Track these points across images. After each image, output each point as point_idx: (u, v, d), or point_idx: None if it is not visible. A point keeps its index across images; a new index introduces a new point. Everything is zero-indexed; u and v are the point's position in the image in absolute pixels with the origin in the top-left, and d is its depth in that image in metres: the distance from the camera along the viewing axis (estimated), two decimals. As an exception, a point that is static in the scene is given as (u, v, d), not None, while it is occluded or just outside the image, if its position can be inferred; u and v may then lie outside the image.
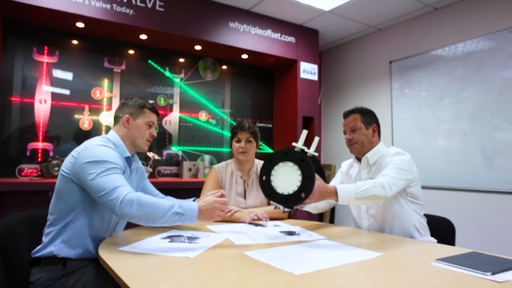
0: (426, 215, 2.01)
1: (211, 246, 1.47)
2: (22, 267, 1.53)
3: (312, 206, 2.09)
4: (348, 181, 2.14)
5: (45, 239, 1.54)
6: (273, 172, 1.54)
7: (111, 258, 1.28)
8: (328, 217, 5.03)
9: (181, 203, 1.47)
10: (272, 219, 2.13)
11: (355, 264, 1.28)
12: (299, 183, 1.48)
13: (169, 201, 1.47)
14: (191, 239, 1.58)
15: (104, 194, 1.43)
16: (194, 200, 1.84)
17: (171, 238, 1.59)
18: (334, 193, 1.63)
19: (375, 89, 4.70)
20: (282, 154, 1.53)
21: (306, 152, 1.59)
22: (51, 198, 1.61)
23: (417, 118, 4.18)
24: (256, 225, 1.98)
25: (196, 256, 1.31)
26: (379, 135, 2.05)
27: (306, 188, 1.47)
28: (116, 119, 1.78)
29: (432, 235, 1.97)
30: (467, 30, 3.76)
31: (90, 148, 1.56)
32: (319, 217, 4.69)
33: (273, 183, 1.54)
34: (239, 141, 2.31)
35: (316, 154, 1.65)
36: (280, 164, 1.52)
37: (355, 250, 1.46)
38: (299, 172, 1.48)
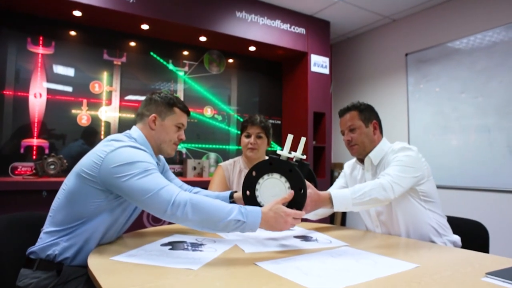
0: (452, 218, 1.88)
1: (218, 255, 1.31)
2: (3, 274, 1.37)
3: (311, 213, 1.93)
4: (353, 183, 1.98)
5: (46, 237, 1.37)
6: (257, 186, 1.41)
7: (100, 270, 1.10)
8: (340, 218, 4.81)
9: (242, 208, 1.28)
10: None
11: (389, 278, 1.08)
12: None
13: (228, 204, 1.29)
14: (195, 246, 1.42)
15: (150, 195, 1.26)
16: (231, 196, 1.75)
17: (172, 245, 1.43)
18: (329, 201, 1.53)
19: (390, 84, 4.48)
20: (266, 165, 1.39)
21: (296, 160, 1.47)
22: (47, 198, 1.44)
23: (435, 114, 3.95)
24: None
25: (201, 267, 1.15)
26: (381, 132, 1.88)
27: (297, 202, 1.35)
28: (141, 116, 1.57)
29: (462, 241, 1.80)
30: (490, 19, 3.53)
31: (121, 151, 1.36)
32: (330, 218, 4.48)
33: (259, 199, 1.42)
34: (248, 136, 2.15)
35: (304, 157, 1.50)
36: (265, 177, 1.40)
37: (386, 260, 1.28)
38: (287, 184, 1.36)
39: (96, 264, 1.17)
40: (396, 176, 1.60)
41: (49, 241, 1.36)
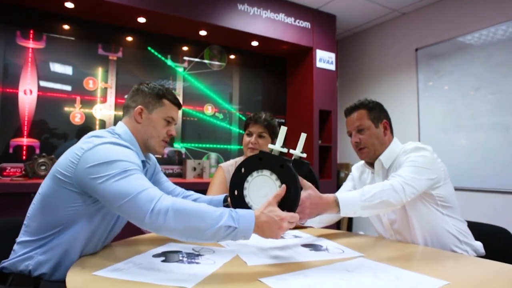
0: (472, 223, 1.72)
1: (217, 268, 1.16)
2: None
3: (316, 221, 1.77)
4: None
5: (19, 249, 1.21)
6: (246, 184, 1.24)
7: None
8: (346, 223, 4.63)
9: (233, 212, 1.10)
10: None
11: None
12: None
13: (216, 209, 1.10)
14: (191, 257, 1.26)
15: (127, 200, 1.09)
16: (226, 200, 1.55)
17: (165, 256, 1.27)
18: (334, 204, 1.35)
19: (399, 80, 4.30)
20: (255, 160, 1.23)
21: (295, 159, 1.33)
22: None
23: (448, 111, 3.76)
24: None
25: (196, 285, 1.00)
26: (391, 132, 1.71)
27: (289, 202, 1.17)
28: (127, 109, 1.41)
29: (485, 248, 1.64)
30: (507, 11, 3.32)
31: (100, 148, 1.20)
32: (338, 226, 4.29)
33: (247, 199, 1.24)
34: (250, 134, 1.99)
35: (304, 155, 1.34)
36: (254, 174, 1.23)
37: (409, 276, 1.13)
38: (278, 182, 1.20)
39: (76, 281, 1.02)
40: (408, 177, 1.44)
41: (22, 254, 1.19)
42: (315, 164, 3.99)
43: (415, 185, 1.43)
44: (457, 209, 1.62)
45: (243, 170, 1.24)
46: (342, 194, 1.38)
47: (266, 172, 1.20)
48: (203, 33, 3.70)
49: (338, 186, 4.58)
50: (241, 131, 4.16)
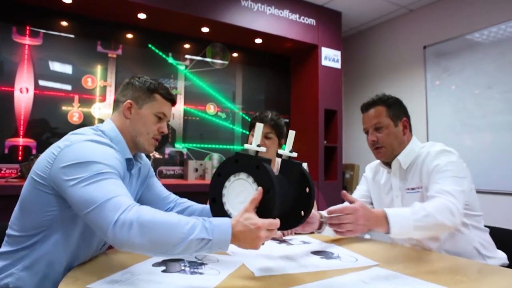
0: (492, 228, 1.62)
1: (222, 279, 1.07)
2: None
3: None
4: (377, 189, 1.73)
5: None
6: (224, 190, 1.12)
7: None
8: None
9: (207, 222, 0.98)
10: (296, 232, 1.77)
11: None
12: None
13: (189, 219, 0.98)
14: (194, 266, 1.18)
15: (92, 209, 0.98)
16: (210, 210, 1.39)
17: (166, 265, 1.18)
18: (383, 220, 1.25)
19: (406, 79, 4.19)
20: (232, 163, 1.10)
21: (284, 159, 1.25)
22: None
23: (458, 111, 3.65)
24: (280, 241, 1.59)
25: None
26: (410, 130, 1.61)
27: (265, 207, 1.03)
28: (116, 104, 1.32)
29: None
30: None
31: (76, 146, 1.10)
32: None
33: (226, 206, 1.11)
34: None
35: (294, 154, 1.24)
36: (232, 178, 1.10)
37: None
38: (255, 185, 1.07)
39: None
40: (455, 192, 1.33)
41: (1, 267, 1.09)
42: (320, 165, 3.88)
43: (462, 200, 1.34)
44: (481, 217, 1.51)
45: (220, 175, 1.12)
46: (390, 209, 1.28)
47: (243, 175, 1.07)
48: (205, 30, 3.60)
49: (343, 188, 4.49)
50: (244, 131, 4.06)
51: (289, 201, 1.18)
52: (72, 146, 1.09)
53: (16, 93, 2.95)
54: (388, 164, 1.60)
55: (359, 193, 1.78)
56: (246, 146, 1.12)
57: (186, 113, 3.75)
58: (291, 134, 1.21)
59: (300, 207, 1.19)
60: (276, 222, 1.00)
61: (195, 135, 3.80)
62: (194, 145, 3.79)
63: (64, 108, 3.14)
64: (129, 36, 3.49)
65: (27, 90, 2.99)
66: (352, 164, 4.73)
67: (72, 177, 1.02)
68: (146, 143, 1.29)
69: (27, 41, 3.01)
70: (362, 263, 1.27)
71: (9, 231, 1.15)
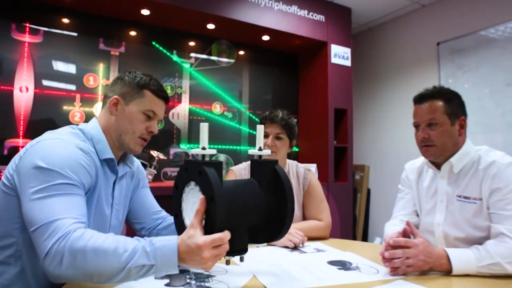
0: None
1: None
2: None
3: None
4: (420, 194, 1.55)
5: None
6: (183, 204, 0.98)
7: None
8: (361, 230, 4.38)
9: (148, 246, 0.87)
10: (310, 238, 1.64)
11: None
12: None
13: (129, 244, 0.87)
14: (200, 279, 1.09)
15: (32, 231, 0.90)
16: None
17: (170, 277, 1.09)
18: (445, 260, 1.17)
19: (419, 76, 4.04)
20: (183, 172, 0.97)
21: (253, 160, 1.07)
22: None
23: (474, 110, 3.47)
24: (292, 249, 1.48)
25: None
26: (465, 130, 1.45)
27: (209, 219, 0.89)
28: (104, 100, 1.24)
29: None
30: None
31: (41, 145, 1.01)
32: (353, 231, 4.04)
33: (186, 222, 0.97)
34: (266, 136, 1.77)
35: (265, 152, 1.07)
36: (186, 189, 0.96)
37: None
38: (201, 194, 0.92)
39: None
40: None
41: None
42: (330, 166, 3.74)
43: None
44: None
45: (177, 187, 1.00)
46: (453, 250, 1.18)
47: (192, 184, 0.94)
48: (211, 26, 3.48)
49: (354, 190, 4.36)
50: (252, 131, 3.93)
51: (261, 209, 0.99)
52: (37, 144, 1.01)
53: (16, 92, 2.85)
54: (435, 164, 1.45)
55: (403, 205, 1.59)
56: (194, 151, 0.99)
57: (191, 112, 3.63)
58: (260, 129, 1.06)
59: (277, 215, 1.01)
60: (221, 236, 0.85)
61: (201, 135, 3.68)
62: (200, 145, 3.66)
63: (65, 107, 3.03)
64: (132, 33, 3.38)
65: (27, 89, 2.88)
66: (362, 165, 4.59)
67: (25, 185, 0.95)
68: (131, 142, 1.18)
69: (27, 38, 2.91)
70: (384, 275, 1.16)
71: None
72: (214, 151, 0.95)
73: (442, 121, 1.36)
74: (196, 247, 0.83)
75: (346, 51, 3.96)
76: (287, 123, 1.75)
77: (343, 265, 1.26)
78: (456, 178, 1.39)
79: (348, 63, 3.97)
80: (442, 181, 1.42)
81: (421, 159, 1.55)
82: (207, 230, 0.87)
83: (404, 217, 1.54)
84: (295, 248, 1.48)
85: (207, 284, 1.02)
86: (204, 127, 0.96)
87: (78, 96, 3.09)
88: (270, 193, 1.00)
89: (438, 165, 1.44)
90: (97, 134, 1.14)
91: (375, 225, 4.44)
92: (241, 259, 0.97)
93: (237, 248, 0.94)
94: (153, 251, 0.85)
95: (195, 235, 0.85)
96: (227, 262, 0.95)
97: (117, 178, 1.20)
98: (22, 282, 1.02)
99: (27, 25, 2.92)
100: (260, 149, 1.03)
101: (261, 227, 1.01)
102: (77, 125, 1.17)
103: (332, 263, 1.28)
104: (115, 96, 1.17)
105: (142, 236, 1.33)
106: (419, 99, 1.42)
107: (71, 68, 3.11)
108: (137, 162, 1.37)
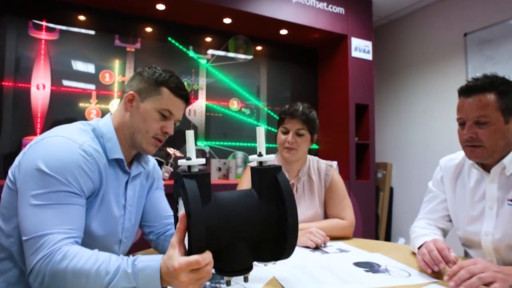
0: None
1: None
2: None
3: None
4: (461, 194, 1.36)
5: None
6: (178, 215, 0.88)
7: None
8: (384, 227, 4.22)
9: (130, 267, 0.81)
10: (332, 238, 1.55)
11: None
12: None
13: (111, 265, 0.82)
14: (215, 280, 1.04)
15: (23, 241, 0.89)
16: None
17: None
18: None
19: (445, 70, 3.86)
20: (175, 185, 0.89)
21: (253, 167, 0.92)
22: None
23: (505, 102, 3.29)
24: (314, 250, 1.40)
25: None
26: None
27: (188, 238, 0.79)
28: (122, 95, 1.18)
29: None
30: None
31: (44, 144, 0.97)
32: (375, 231, 3.90)
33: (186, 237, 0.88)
34: (286, 132, 1.67)
35: (265, 158, 0.91)
36: (180, 202, 0.86)
37: None
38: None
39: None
40: None
41: None
42: (351, 164, 3.62)
43: None
44: None
45: (175, 201, 0.92)
46: None
47: (180, 199, 0.85)
48: (227, 20, 3.41)
49: (376, 188, 4.21)
50: (270, 128, 3.84)
51: (260, 224, 0.86)
52: (41, 143, 0.97)
53: (33, 90, 2.85)
54: (484, 166, 1.28)
55: (433, 207, 1.42)
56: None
57: (208, 109, 3.57)
58: (260, 131, 0.92)
59: (280, 227, 0.87)
60: (197, 259, 0.75)
61: (218, 132, 3.62)
62: (217, 143, 3.61)
63: (81, 104, 3.01)
64: (148, 29, 3.34)
65: (44, 86, 2.88)
66: (385, 162, 4.43)
67: (24, 185, 0.92)
68: (144, 142, 1.10)
69: (43, 35, 2.90)
70: (416, 278, 1.07)
71: None
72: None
73: (494, 119, 1.16)
74: (173, 270, 0.76)
75: (367, 45, 3.82)
76: (308, 118, 1.65)
77: (371, 267, 1.16)
78: (507, 181, 1.22)
79: (369, 56, 3.83)
80: (491, 185, 1.24)
81: (461, 154, 1.37)
82: (189, 250, 0.79)
83: (431, 222, 1.40)
84: (317, 248, 1.39)
85: (222, 286, 0.96)
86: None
87: (94, 93, 3.06)
88: (271, 205, 0.87)
89: (485, 166, 1.27)
90: (108, 132, 1.08)
91: (398, 225, 4.28)
92: (245, 279, 0.86)
93: (236, 268, 0.83)
94: (135, 273, 0.80)
95: (173, 256, 0.77)
96: (228, 283, 0.85)
97: (129, 178, 1.14)
98: (26, 283, 0.98)
99: (44, 22, 2.91)
100: (260, 155, 0.90)
101: (266, 243, 0.89)
102: (91, 120, 1.12)
103: (358, 264, 1.19)
104: (131, 92, 1.11)
105: (151, 241, 1.27)
106: (466, 92, 1.21)
107: (87, 65, 3.09)
108: (153, 161, 1.30)
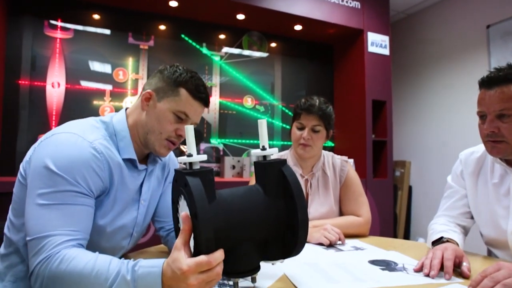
0: None
1: None
2: None
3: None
4: (483, 189, 1.27)
5: None
6: (179, 216, 0.85)
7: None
8: (403, 227, 4.12)
9: (129, 274, 0.77)
10: (348, 236, 1.48)
11: None
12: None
13: (111, 270, 0.78)
14: (222, 277, 0.92)
15: (28, 241, 0.86)
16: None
17: None
18: None
19: (466, 64, 3.73)
20: (175, 183, 0.85)
21: (257, 162, 0.88)
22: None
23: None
24: (328, 247, 1.33)
25: None
26: None
27: (195, 239, 0.76)
28: (141, 93, 1.12)
29: None
30: None
31: (54, 141, 0.94)
32: (394, 231, 3.80)
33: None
34: (301, 128, 1.60)
35: (270, 151, 0.86)
36: (180, 203, 0.83)
37: None
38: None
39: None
40: None
41: None
42: (368, 161, 3.53)
43: None
44: None
45: (172, 200, 0.88)
46: None
47: (182, 198, 0.80)
48: (241, 16, 3.38)
49: (394, 187, 4.10)
50: (284, 125, 3.79)
51: (267, 221, 0.82)
52: (51, 139, 0.94)
53: (48, 88, 2.89)
54: (506, 160, 1.20)
55: (453, 205, 1.34)
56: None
57: (222, 106, 3.55)
58: (262, 124, 0.86)
59: (289, 227, 0.83)
60: (208, 260, 0.71)
61: (232, 130, 3.59)
62: (231, 140, 3.58)
63: (95, 102, 3.04)
64: (161, 26, 3.34)
65: (59, 84, 2.91)
66: (403, 160, 4.32)
67: (32, 183, 0.90)
68: (156, 144, 1.06)
69: (58, 34, 2.94)
70: (436, 278, 0.98)
71: (5, 231, 1.02)
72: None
73: None
74: (181, 273, 0.71)
75: (384, 39, 3.73)
76: (325, 113, 1.58)
77: (387, 265, 1.10)
78: None
79: (386, 51, 3.73)
80: None
81: (483, 147, 1.29)
82: (195, 252, 0.75)
83: (451, 219, 1.32)
84: (331, 245, 1.34)
85: (230, 282, 0.91)
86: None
87: (108, 90, 3.08)
88: (278, 201, 0.83)
89: (509, 161, 1.19)
90: (122, 130, 1.04)
91: (417, 225, 4.16)
92: (253, 280, 0.82)
93: (243, 269, 0.80)
94: (134, 280, 0.75)
95: (178, 258, 0.73)
96: (235, 285, 0.81)
97: (146, 175, 1.11)
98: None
99: (59, 21, 2.95)
100: (263, 149, 0.85)
101: (274, 241, 0.85)
102: (105, 116, 1.09)
103: (374, 262, 1.13)
104: (148, 90, 1.06)
105: (161, 237, 1.24)
106: (487, 83, 1.13)
107: (101, 63, 3.11)
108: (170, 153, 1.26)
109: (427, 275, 0.99)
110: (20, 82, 2.80)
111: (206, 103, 1.09)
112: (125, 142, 1.04)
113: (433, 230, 1.25)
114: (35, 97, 2.83)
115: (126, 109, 1.12)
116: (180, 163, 0.80)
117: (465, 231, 1.31)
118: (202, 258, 0.71)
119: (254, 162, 0.87)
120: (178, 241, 0.74)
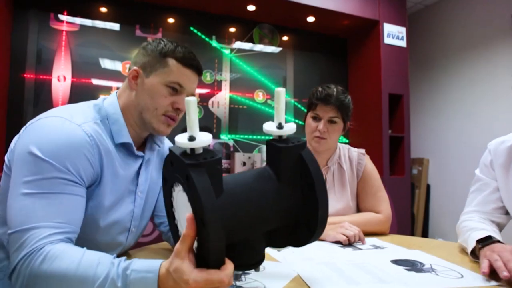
0: None
1: None
2: None
3: None
4: None
5: None
6: (174, 204, 0.76)
7: None
8: (421, 227, 3.96)
9: (121, 279, 0.68)
10: (366, 234, 1.36)
11: None
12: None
13: (99, 272, 0.69)
14: (236, 276, 0.89)
15: (10, 234, 0.78)
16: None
17: None
18: None
19: (489, 55, 3.56)
20: (169, 165, 0.72)
21: (268, 142, 0.76)
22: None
23: (560, 89, 2.98)
24: (345, 246, 1.23)
25: None
26: None
27: (202, 248, 0.65)
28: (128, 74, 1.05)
29: None
30: None
31: (38, 126, 0.87)
32: (411, 231, 3.65)
33: (178, 224, 0.77)
34: (317, 119, 1.49)
35: (287, 131, 0.74)
36: (175, 188, 0.72)
37: None
38: (190, 207, 0.66)
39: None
40: None
41: None
42: (385, 158, 3.39)
43: None
44: None
45: (166, 180, 0.77)
46: None
47: (181, 187, 0.68)
48: (251, 8, 3.29)
49: (411, 185, 3.95)
50: (297, 121, 3.68)
51: (279, 212, 0.72)
52: (35, 124, 0.87)
53: (54, 82, 2.85)
54: None
55: (484, 199, 1.21)
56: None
57: (232, 101, 3.47)
58: (279, 94, 0.73)
59: (304, 221, 0.73)
60: (221, 278, 0.62)
61: (243, 125, 3.50)
62: (241, 136, 3.50)
63: (102, 96, 2.96)
64: (170, 18, 3.28)
65: (65, 78, 2.87)
66: (421, 158, 4.16)
67: (16, 172, 0.82)
68: (154, 121, 0.98)
69: (64, 27, 2.90)
70: (471, 281, 0.87)
71: None
72: (208, 140, 0.64)
73: None
74: (185, 283, 0.63)
75: (400, 31, 3.59)
76: (343, 104, 1.46)
77: (413, 265, 0.99)
78: None
79: (403, 43, 3.59)
80: None
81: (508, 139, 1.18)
82: (200, 259, 0.64)
83: (484, 215, 1.19)
84: (349, 244, 1.22)
85: (238, 284, 0.81)
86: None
87: (115, 84, 3.03)
88: (294, 190, 0.72)
89: None
90: (114, 113, 0.96)
91: (436, 226, 3.99)
92: (257, 269, 0.74)
93: (248, 262, 0.72)
94: (126, 284, 0.66)
95: (182, 268, 0.63)
96: (237, 277, 0.74)
97: (143, 162, 1.02)
98: None
99: (65, 13, 2.90)
100: (280, 127, 0.72)
101: (284, 231, 0.75)
102: (101, 98, 1.01)
103: (397, 262, 1.02)
104: (135, 68, 0.98)
105: (162, 232, 1.14)
106: None
107: (107, 56, 3.06)
108: (166, 141, 1.17)
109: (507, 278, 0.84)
110: (25, 75, 2.76)
111: (198, 69, 1.01)
112: (118, 125, 0.95)
113: (471, 227, 1.11)
114: (41, 91, 2.80)
115: (116, 92, 1.04)
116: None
117: (500, 229, 1.18)
118: (212, 274, 0.62)
119: (267, 142, 0.75)
120: (181, 248, 0.64)
